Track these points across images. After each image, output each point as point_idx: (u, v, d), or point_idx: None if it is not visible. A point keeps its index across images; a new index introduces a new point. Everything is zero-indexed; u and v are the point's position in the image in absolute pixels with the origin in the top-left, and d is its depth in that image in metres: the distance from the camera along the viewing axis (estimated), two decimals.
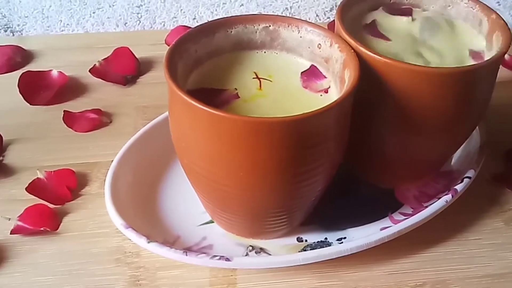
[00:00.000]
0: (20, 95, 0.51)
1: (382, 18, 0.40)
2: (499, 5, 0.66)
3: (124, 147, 0.41)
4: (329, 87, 0.35)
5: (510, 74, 0.57)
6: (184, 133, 0.33)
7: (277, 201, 0.34)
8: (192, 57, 0.35)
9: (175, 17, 0.65)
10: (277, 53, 0.38)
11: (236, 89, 0.34)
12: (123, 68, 0.55)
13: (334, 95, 0.35)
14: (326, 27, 0.37)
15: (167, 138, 0.36)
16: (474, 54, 0.38)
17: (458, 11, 0.41)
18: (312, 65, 0.37)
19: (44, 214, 0.40)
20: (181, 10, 0.64)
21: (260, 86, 0.35)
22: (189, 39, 0.35)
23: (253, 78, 0.35)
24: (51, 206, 0.41)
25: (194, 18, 0.65)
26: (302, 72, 0.36)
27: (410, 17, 0.40)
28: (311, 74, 0.36)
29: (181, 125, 0.33)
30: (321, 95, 0.34)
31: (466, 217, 0.42)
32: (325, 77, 0.36)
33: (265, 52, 0.38)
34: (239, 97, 0.34)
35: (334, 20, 0.37)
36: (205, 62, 0.36)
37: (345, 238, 0.39)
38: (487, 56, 0.37)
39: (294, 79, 0.36)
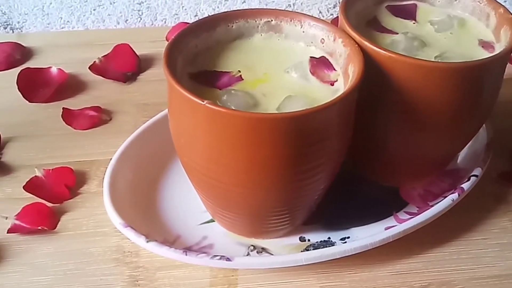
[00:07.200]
0: (19, 93, 0.50)
1: (385, 17, 0.39)
2: (505, 1, 0.65)
3: (123, 144, 0.41)
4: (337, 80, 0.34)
5: None
6: (183, 130, 0.32)
7: (279, 200, 0.33)
8: (192, 51, 0.34)
9: (177, 14, 0.64)
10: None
11: (239, 71, 0.33)
12: (123, 65, 0.54)
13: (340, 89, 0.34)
14: None
15: (167, 135, 0.35)
16: (484, 43, 0.37)
17: (465, 6, 0.40)
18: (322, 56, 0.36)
19: (42, 213, 0.39)
20: (183, 7, 0.63)
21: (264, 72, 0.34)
22: (189, 33, 0.34)
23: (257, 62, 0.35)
24: (49, 204, 0.40)
25: (196, 15, 0.64)
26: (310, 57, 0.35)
27: (413, 21, 0.39)
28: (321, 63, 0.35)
29: (180, 121, 0.32)
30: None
31: (472, 216, 0.41)
32: (335, 70, 0.35)
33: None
34: (242, 79, 0.33)
35: (337, 17, 0.37)
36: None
37: (348, 237, 0.38)
38: (497, 47, 0.36)
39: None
